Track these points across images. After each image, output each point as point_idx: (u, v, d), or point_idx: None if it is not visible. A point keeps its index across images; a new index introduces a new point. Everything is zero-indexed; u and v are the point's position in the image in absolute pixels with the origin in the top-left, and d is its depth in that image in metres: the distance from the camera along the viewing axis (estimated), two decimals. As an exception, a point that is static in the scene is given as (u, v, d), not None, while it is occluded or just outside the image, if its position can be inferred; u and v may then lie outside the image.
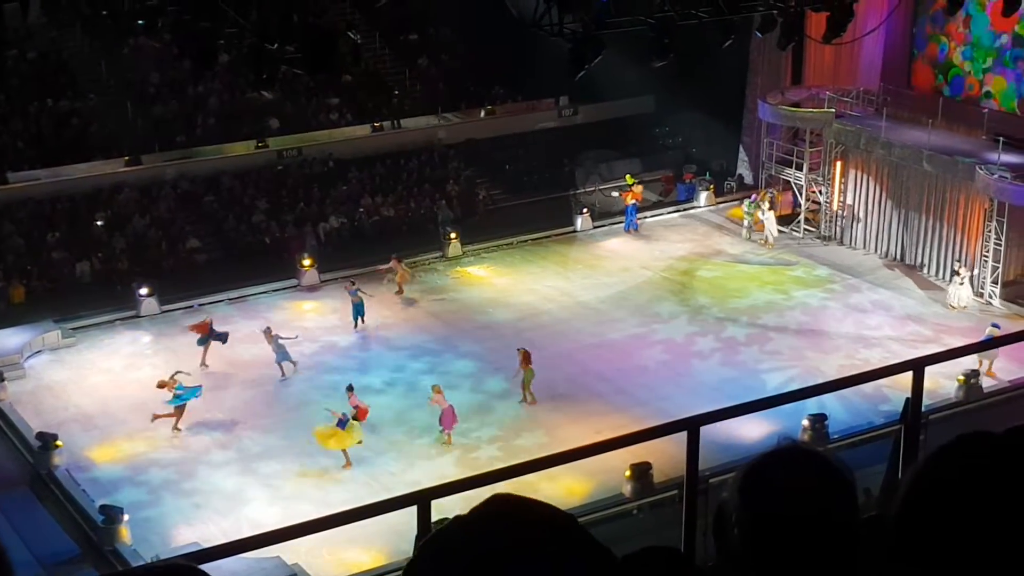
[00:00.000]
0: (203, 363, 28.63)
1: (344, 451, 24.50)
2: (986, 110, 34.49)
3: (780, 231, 37.03)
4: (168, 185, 36.45)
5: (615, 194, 39.18)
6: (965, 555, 2.05)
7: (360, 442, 24.60)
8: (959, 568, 2.05)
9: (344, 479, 24.07)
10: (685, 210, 39.36)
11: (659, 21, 24.15)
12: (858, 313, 31.80)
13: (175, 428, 25.85)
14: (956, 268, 32.08)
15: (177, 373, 26.17)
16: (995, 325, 28.93)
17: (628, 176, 39.39)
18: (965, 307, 31.48)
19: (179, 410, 25.85)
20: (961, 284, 31.63)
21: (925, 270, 34.05)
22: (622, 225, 37.80)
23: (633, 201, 37.89)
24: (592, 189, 39.84)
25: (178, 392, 25.73)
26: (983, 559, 2.04)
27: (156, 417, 25.73)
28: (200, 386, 26.37)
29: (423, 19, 42.56)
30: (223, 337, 28.94)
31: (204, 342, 28.80)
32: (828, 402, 24.30)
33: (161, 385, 25.85)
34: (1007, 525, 2.04)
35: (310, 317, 31.98)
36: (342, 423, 24.27)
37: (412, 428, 26.20)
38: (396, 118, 40.45)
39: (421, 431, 26.00)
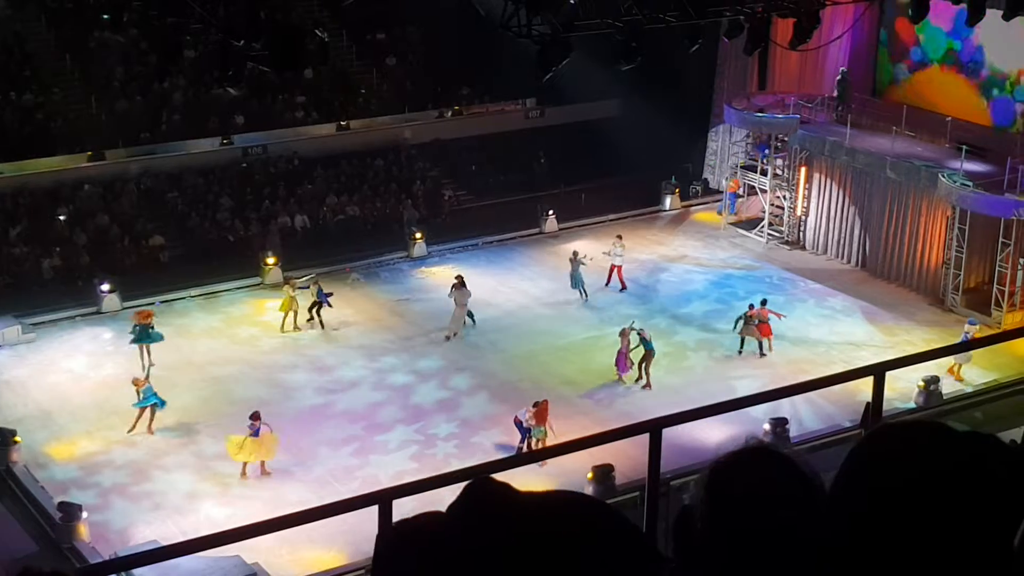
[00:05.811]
0: (149, 363, 27.84)
1: (245, 463, 23.97)
2: (949, 119, 34.74)
3: (745, 235, 37.28)
4: (132, 181, 36.21)
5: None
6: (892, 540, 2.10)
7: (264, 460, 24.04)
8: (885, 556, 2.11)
9: (305, 479, 23.99)
10: (650, 213, 39.45)
11: (627, 25, 24.22)
12: (821, 318, 31.96)
13: (148, 431, 25.49)
14: None
15: (150, 365, 25.88)
16: (972, 322, 28.93)
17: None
18: None
19: (146, 410, 25.53)
20: None
21: (887, 276, 34.27)
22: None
23: (736, 188, 38.40)
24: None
25: (145, 395, 25.49)
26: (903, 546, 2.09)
27: (134, 428, 25.46)
28: (165, 401, 26.01)
29: (391, 18, 42.52)
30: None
31: (141, 339, 28.13)
32: (796, 406, 24.39)
33: (136, 383, 25.59)
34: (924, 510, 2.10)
35: (273, 315, 31.90)
36: (256, 432, 23.83)
37: (373, 426, 26.16)
38: (363, 117, 40.36)
39: (382, 429, 26.00)
